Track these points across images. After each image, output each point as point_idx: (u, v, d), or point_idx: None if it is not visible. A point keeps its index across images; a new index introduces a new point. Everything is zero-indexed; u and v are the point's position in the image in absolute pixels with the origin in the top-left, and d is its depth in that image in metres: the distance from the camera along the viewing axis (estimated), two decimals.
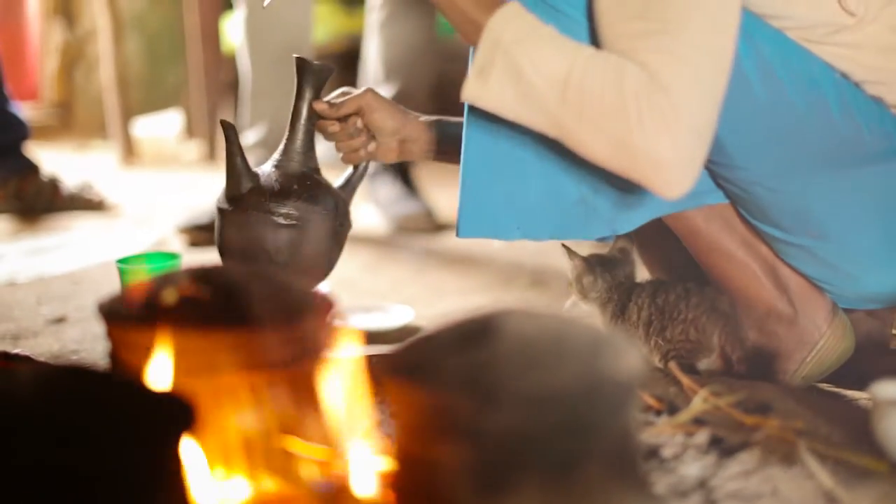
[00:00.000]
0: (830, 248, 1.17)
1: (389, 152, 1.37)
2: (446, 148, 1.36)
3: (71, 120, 4.26)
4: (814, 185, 1.13)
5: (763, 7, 1.08)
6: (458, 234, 1.21)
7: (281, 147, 1.30)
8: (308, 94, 1.29)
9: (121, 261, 1.32)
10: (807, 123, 1.10)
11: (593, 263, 1.33)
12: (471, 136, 1.15)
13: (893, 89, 1.10)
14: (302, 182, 1.27)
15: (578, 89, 0.98)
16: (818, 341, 1.21)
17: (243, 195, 1.25)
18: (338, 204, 1.30)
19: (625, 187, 1.14)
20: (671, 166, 0.97)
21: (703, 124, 0.98)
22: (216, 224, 1.29)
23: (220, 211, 1.27)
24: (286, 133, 1.31)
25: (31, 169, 2.67)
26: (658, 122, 0.95)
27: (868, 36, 1.06)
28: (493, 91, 1.02)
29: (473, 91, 1.03)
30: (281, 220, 1.23)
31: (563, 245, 1.34)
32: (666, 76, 0.95)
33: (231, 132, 1.25)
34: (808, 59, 1.09)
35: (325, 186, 1.30)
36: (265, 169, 1.29)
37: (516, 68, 1.00)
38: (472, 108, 1.12)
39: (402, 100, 2.42)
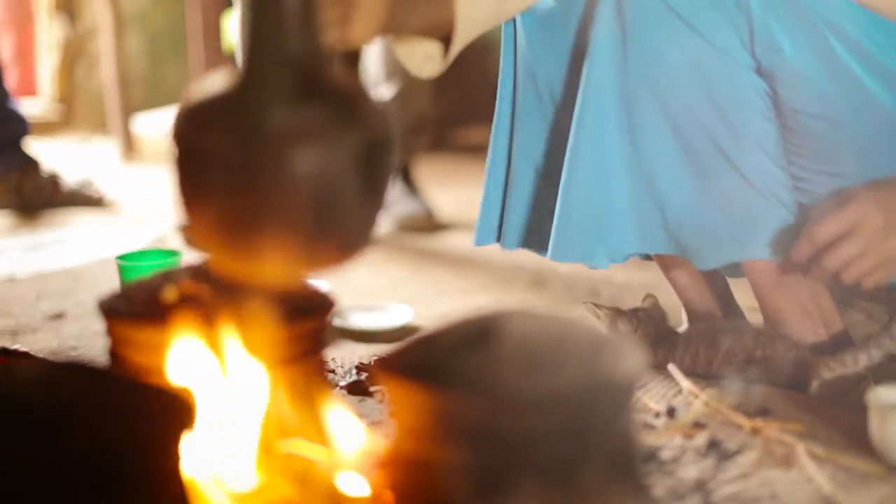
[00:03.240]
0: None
1: (370, 26, 0.99)
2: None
3: (72, 116, 4.25)
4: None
5: None
6: (552, 257, 1.22)
7: None
8: None
9: (121, 258, 1.32)
10: None
11: (625, 313, 1.31)
12: (573, 173, 1.17)
13: None
14: None
15: None
16: None
17: None
18: None
19: (708, 231, 1.15)
20: None
21: None
22: None
23: None
24: None
25: (31, 165, 2.67)
26: None
27: None
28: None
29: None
30: None
31: (589, 304, 1.33)
32: None
33: None
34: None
35: None
36: None
37: None
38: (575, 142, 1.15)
39: (404, 100, 2.43)
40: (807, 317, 1.19)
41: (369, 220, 0.82)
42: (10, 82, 2.82)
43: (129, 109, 3.66)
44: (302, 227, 0.77)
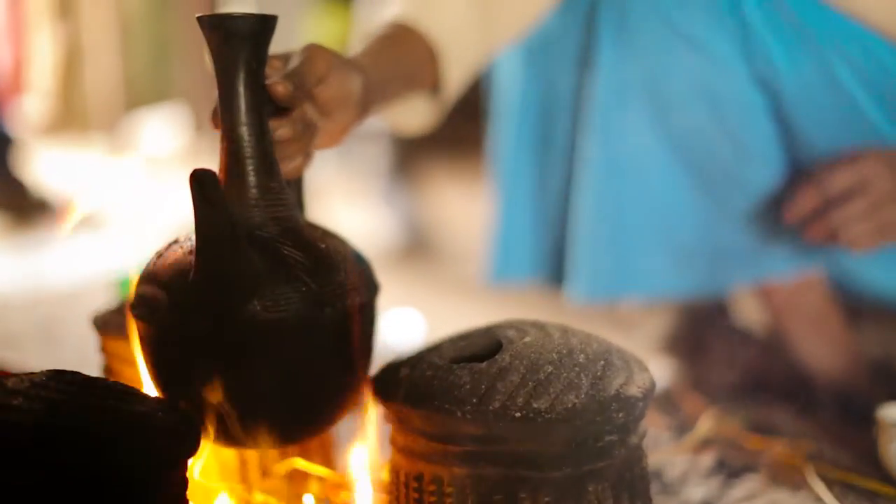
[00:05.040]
0: None
1: (334, 136, 0.86)
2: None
3: (71, 116, 4.25)
4: None
5: None
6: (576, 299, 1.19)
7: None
8: (245, 71, 0.75)
9: (119, 276, 1.32)
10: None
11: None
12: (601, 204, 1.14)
13: None
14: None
15: None
16: None
17: None
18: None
19: (718, 257, 1.14)
20: None
21: None
22: None
23: None
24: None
25: (18, 186, 2.65)
26: None
27: None
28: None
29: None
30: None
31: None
32: None
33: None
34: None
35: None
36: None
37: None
38: (606, 182, 1.12)
39: None
40: (817, 333, 1.18)
41: (347, 390, 0.78)
42: (7, 84, 2.82)
43: (129, 108, 3.68)
44: (271, 411, 0.74)
